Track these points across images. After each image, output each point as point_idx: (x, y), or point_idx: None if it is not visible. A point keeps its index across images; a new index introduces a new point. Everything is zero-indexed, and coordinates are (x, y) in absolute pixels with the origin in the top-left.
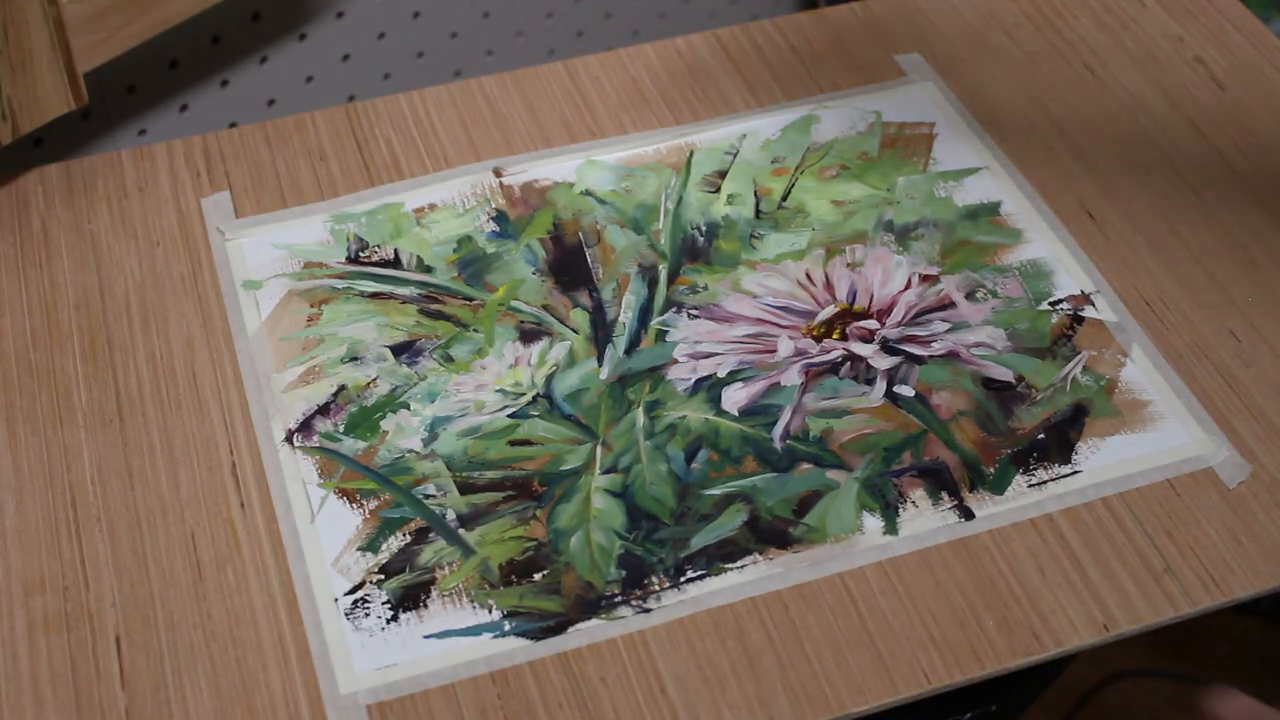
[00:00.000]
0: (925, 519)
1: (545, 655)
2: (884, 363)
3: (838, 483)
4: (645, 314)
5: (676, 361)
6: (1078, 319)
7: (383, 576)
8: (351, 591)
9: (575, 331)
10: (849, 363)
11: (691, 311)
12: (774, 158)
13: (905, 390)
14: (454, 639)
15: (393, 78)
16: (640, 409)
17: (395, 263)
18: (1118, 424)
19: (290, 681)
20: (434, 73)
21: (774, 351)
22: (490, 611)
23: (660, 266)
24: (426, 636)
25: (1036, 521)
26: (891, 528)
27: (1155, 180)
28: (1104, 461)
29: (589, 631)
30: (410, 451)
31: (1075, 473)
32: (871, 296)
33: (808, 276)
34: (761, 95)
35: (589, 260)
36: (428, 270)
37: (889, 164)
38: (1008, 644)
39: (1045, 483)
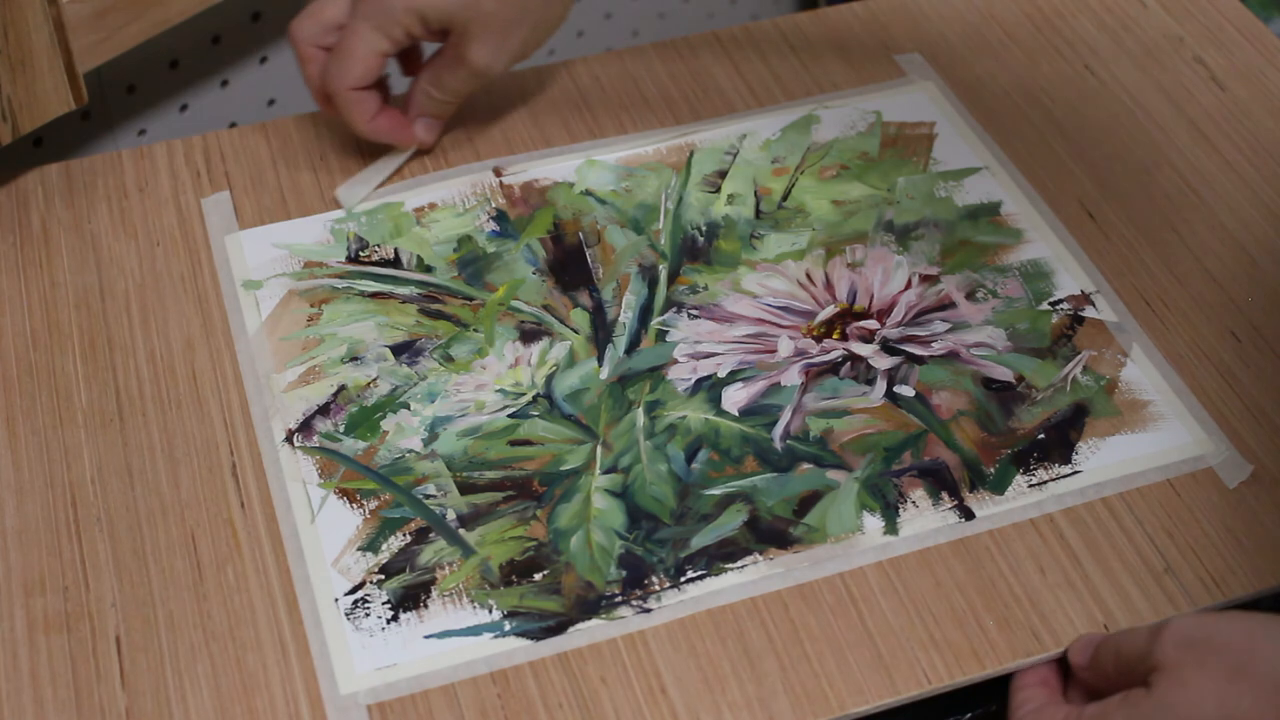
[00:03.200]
0: (925, 519)
1: (545, 655)
2: (884, 363)
3: (838, 483)
4: (645, 314)
5: (676, 361)
6: (1078, 319)
7: (383, 576)
8: (351, 591)
9: (575, 331)
10: (849, 363)
11: (691, 311)
12: (774, 158)
13: (905, 390)
14: (454, 639)
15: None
16: (640, 409)
17: (395, 262)
18: (1118, 424)
19: (290, 681)
20: None
21: (774, 351)
22: (490, 611)
23: (660, 266)
24: (427, 636)
25: (1036, 521)
26: (891, 528)
27: (1155, 180)
28: (1104, 461)
29: (589, 631)
30: (410, 451)
31: (1075, 473)
32: (871, 296)
33: (808, 276)
34: (761, 95)
35: (589, 260)
36: (428, 270)
37: (889, 164)
38: (1008, 644)
39: (1045, 483)
